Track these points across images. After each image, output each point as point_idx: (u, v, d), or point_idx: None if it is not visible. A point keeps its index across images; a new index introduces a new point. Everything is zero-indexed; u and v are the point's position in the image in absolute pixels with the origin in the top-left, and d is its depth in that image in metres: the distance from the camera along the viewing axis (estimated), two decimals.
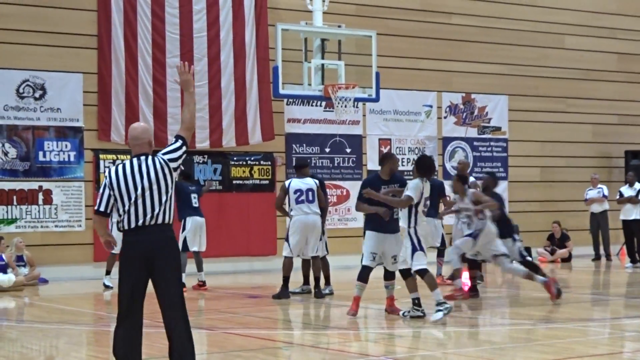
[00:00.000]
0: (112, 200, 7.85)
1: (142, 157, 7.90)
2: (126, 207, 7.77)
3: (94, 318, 14.45)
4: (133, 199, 7.75)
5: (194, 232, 17.70)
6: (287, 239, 15.92)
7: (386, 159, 13.58)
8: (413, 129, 24.77)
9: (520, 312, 14.59)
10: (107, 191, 7.85)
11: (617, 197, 23.28)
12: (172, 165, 7.89)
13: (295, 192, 15.83)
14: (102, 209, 7.87)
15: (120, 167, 7.88)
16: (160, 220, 7.77)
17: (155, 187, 7.77)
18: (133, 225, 7.77)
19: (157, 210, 7.75)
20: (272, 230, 22.25)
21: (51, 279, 19.72)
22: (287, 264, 15.87)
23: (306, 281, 16.64)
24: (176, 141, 8.01)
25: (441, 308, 12.51)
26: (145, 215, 7.74)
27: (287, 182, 16.12)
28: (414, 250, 12.74)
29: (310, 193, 15.84)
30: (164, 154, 7.93)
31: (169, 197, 7.83)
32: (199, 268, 17.98)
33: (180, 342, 7.79)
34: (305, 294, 16.45)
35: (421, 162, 13.09)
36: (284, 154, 23.02)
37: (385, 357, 10.29)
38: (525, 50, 26.33)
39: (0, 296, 17.15)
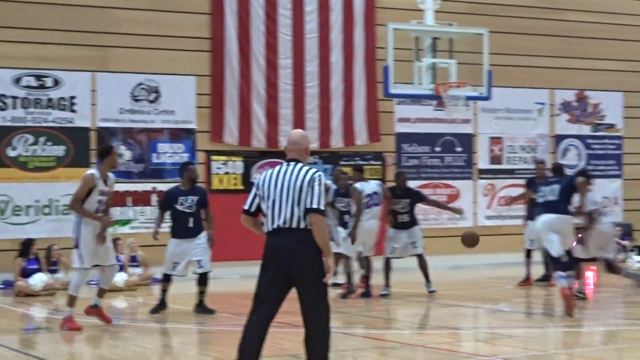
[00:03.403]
0: (257, 200, 7.94)
1: (292, 163, 7.94)
2: (267, 209, 7.87)
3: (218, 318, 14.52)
4: (272, 200, 7.82)
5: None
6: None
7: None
8: (525, 127, 24.48)
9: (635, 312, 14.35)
10: (254, 190, 8.00)
11: None
12: (320, 189, 7.80)
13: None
14: (246, 207, 8.00)
15: (270, 170, 7.98)
16: (298, 225, 7.75)
17: (292, 192, 7.76)
18: (271, 227, 7.83)
19: (290, 214, 7.74)
20: (382, 231, 22.20)
21: None
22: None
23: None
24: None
25: None
26: (280, 217, 7.77)
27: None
28: None
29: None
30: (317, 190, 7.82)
31: (305, 205, 7.77)
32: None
33: (315, 350, 7.77)
34: None
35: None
36: (394, 153, 22.97)
37: (495, 357, 10.17)
38: None
39: (115, 296, 17.44)
